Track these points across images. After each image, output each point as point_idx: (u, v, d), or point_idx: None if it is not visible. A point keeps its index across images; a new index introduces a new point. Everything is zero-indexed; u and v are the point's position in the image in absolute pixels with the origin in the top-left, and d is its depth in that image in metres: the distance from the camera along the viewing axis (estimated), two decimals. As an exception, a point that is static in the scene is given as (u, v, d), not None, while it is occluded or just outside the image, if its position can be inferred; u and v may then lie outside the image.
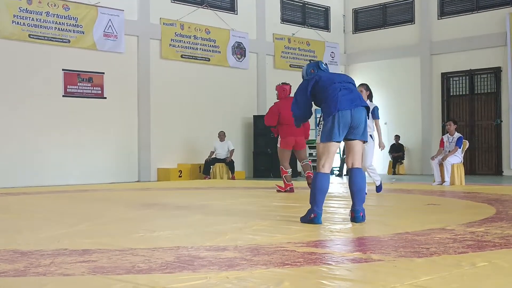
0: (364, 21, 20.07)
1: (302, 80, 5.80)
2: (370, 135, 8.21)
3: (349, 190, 5.49)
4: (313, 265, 3.38)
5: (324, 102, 5.29)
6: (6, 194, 10.02)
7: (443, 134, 12.09)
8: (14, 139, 12.81)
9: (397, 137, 18.57)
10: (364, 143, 5.47)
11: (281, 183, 9.93)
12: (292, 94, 8.69)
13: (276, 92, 9.91)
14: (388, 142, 18.85)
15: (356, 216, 5.35)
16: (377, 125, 8.79)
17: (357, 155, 5.40)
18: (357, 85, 6.90)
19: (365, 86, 8.60)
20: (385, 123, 19.14)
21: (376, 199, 8.48)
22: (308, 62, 6.27)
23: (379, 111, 9.04)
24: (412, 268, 3.26)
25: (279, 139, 9.69)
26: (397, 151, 18.54)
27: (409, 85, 18.68)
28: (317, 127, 5.38)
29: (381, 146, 9.26)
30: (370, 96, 8.77)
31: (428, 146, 18.01)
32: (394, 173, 18.16)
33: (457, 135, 11.72)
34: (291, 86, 9.70)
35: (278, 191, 9.78)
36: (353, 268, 3.32)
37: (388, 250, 3.86)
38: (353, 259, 3.58)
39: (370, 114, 8.05)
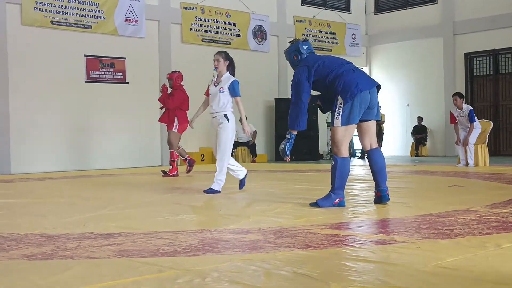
0: (385, 1, 19.84)
1: (292, 67, 5.60)
2: (225, 115, 6.88)
3: (370, 171, 5.47)
4: (336, 247, 3.39)
5: (339, 86, 5.15)
6: (31, 179, 10.16)
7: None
8: (37, 124, 12.94)
9: (419, 119, 18.42)
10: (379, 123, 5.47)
11: (167, 168, 10.31)
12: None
13: (171, 80, 10.25)
14: (411, 123, 18.73)
15: (383, 195, 5.35)
16: (238, 104, 7.08)
17: (374, 135, 5.44)
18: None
19: (223, 54, 7.07)
20: (408, 105, 19.01)
21: (399, 181, 8.44)
22: (288, 47, 5.67)
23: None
24: (436, 250, 3.26)
25: (176, 124, 10.10)
26: (419, 133, 18.39)
27: (431, 66, 18.47)
28: (335, 111, 5.15)
29: (246, 130, 7.30)
30: (231, 68, 7.13)
31: (451, 128, 17.81)
32: (417, 155, 18.04)
33: (466, 107, 11.50)
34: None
35: (165, 175, 10.06)
36: (377, 249, 3.32)
37: (411, 232, 3.85)
38: (377, 241, 3.58)
39: (227, 89, 6.91)
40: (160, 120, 10.54)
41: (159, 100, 10.30)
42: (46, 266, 3.08)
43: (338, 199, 5.20)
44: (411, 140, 18.60)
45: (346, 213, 4.92)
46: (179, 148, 10.30)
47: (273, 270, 2.83)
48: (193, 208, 5.57)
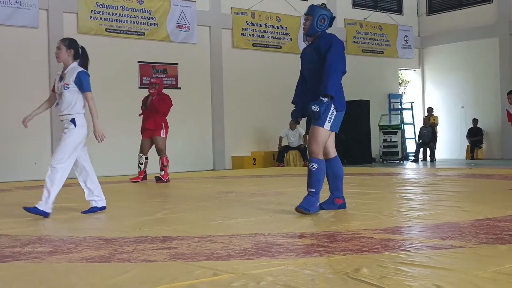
0: (438, 2, 19.51)
1: (321, 32, 5.26)
2: (73, 120, 5.64)
3: (333, 177, 5.46)
4: (391, 252, 3.36)
5: (338, 92, 5.14)
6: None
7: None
8: (92, 130, 13.23)
9: (475, 121, 18.02)
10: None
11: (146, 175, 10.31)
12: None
13: (157, 84, 10.15)
14: (466, 126, 18.33)
15: (344, 202, 5.46)
16: (88, 101, 5.78)
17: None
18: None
19: (66, 41, 5.80)
20: (462, 107, 18.62)
21: (454, 184, 8.28)
22: (320, 5, 5.29)
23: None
24: (495, 255, 3.18)
25: (163, 129, 10.10)
26: (475, 135, 17.98)
27: (487, 67, 18.05)
28: (327, 114, 5.05)
29: (99, 134, 5.99)
30: (83, 58, 5.96)
31: (508, 130, 17.37)
32: (472, 158, 17.65)
33: None
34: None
35: (159, 181, 10.02)
36: (433, 254, 3.27)
37: (468, 237, 3.77)
38: (433, 245, 3.52)
39: (73, 84, 5.67)
40: (147, 126, 10.11)
41: (151, 105, 10.08)
42: (104, 268, 3.16)
43: (318, 203, 5.19)
44: (466, 143, 18.22)
45: (401, 217, 4.86)
46: (147, 159, 10.26)
47: (328, 274, 2.82)
48: (246, 212, 5.60)
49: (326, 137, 5.17)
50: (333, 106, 5.09)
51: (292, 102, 5.69)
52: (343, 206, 5.42)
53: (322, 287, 2.61)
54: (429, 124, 17.48)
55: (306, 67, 5.39)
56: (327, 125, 5.13)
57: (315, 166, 5.09)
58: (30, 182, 11.32)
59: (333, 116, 5.12)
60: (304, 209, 5.02)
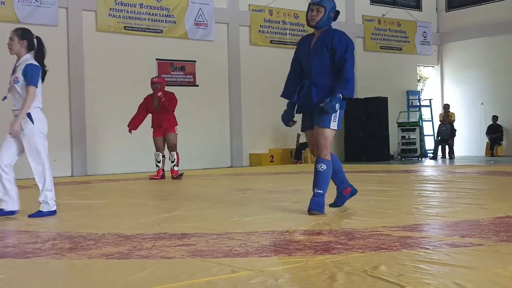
0: (458, -2, 19.36)
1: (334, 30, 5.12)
2: (29, 114, 5.16)
3: (334, 174, 5.25)
4: (410, 249, 3.34)
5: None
6: (107, 181, 10.47)
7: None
8: (111, 127, 13.32)
9: (494, 118, 17.84)
10: None
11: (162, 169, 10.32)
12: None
13: (160, 83, 10.17)
14: (485, 122, 18.16)
15: (354, 189, 5.46)
16: (27, 94, 5.17)
17: None
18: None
19: (19, 32, 5.37)
20: (482, 104, 18.45)
21: (473, 182, 8.21)
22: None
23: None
24: (515, 253, 3.16)
25: (177, 126, 10.31)
26: (495, 132, 17.81)
27: (507, 63, 17.84)
28: (335, 113, 4.95)
29: (13, 132, 5.18)
30: (38, 50, 5.36)
31: (528, 127, 17.21)
32: (492, 155, 17.47)
33: None
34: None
35: (178, 177, 10.13)
36: (452, 252, 3.25)
37: (488, 235, 3.74)
38: (452, 243, 3.50)
39: (22, 77, 5.18)
40: (163, 125, 10.20)
41: (160, 106, 10.14)
42: (124, 265, 3.18)
43: (351, 191, 5.34)
44: (485, 139, 18.05)
45: (419, 215, 4.84)
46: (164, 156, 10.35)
47: (346, 272, 2.82)
48: (264, 209, 5.60)
49: (332, 136, 5.09)
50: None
51: (285, 97, 5.44)
52: (354, 192, 5.42)
53: (340, 285, 2.60)
54: (448, 121, 17.34)
55: (309, 61, 5.11)
56: (334, 125, 5.03)
57: (324, 167, 5.01)
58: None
59: (339, 113, 5.03)
60: (317, 210, 4.91)
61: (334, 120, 4.99)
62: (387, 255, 3.20)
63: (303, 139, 15.61)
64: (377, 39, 18.16)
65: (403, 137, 17.20)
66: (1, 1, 11.93)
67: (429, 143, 18.57)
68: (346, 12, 17.53)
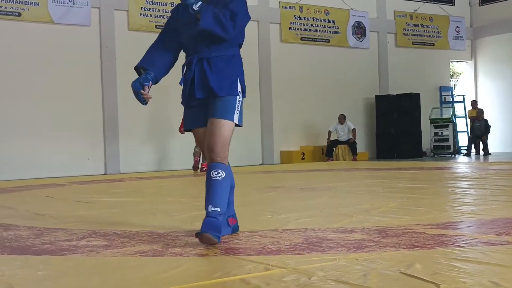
0: (491, -9, 19.05)
1: None
2: None
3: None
4: (444, 247, 3.30)
5: (240, 72, 4.07)
6: (139, 179, 10.58)
7: None
8: (144, 126, 13.45)
9: (530, 114, 17.54)
10: None
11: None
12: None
13: None
14: (521, 118, 17.86)
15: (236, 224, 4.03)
16: None
17: None
18: None
19: None
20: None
21: (509, 179, 8.07)
22: None
23: None
24: (553, 252, 3.10)
25: None
26: (530, 128, 17.51)
27: (543, 57, 17.53)
28: (235, 102, 3.83)
29: None
30: None
31: None
32: (527, 152, 17.19)
33: None
34: None
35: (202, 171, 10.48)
36: (488, 250, 3.20)
37: (525, 233, 3.68)
38: (487, 241, 3.45)
39: None
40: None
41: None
42: (157, 262, 3.21)
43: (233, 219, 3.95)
44: (519, 136, 17.76)
45: (453, 212, 4.78)
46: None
47: (380, 270, 2.80)
48: (296, 207, 5.60)
49: (231, 134, 3.79)
50: (240, 92, 3.93)
51: (140, 68, 4.27)
52: (237, 228, 4.02)
53: (374, 283, 2.59)
54: (482, 117, 17.07)
55: (186, 30, 4.03)
56: (236, 117, 3.82)
57: (222, 174, 3.61)
58: (84, 177, 11.60)
59: (240, 105, 3.88)
60: (212, 234, 3.51)
61: (237, 112, 3.83)
62: (421, 253, 3.17)
63: (334, 136, 15.55)
64: (409, 34, 17.97)
65: (435, 134, 17.01)
66: (36, 2, 12.13)
67: (463, 140, 18.33)
68: (377, 7, 17.41)
